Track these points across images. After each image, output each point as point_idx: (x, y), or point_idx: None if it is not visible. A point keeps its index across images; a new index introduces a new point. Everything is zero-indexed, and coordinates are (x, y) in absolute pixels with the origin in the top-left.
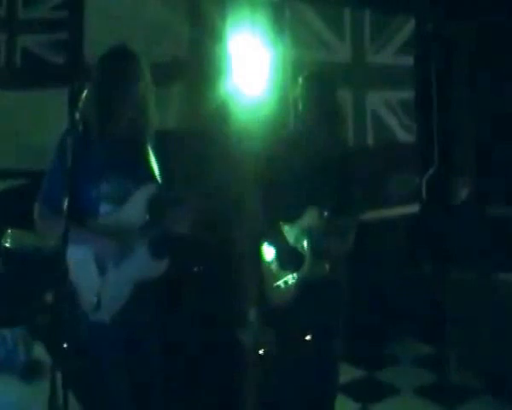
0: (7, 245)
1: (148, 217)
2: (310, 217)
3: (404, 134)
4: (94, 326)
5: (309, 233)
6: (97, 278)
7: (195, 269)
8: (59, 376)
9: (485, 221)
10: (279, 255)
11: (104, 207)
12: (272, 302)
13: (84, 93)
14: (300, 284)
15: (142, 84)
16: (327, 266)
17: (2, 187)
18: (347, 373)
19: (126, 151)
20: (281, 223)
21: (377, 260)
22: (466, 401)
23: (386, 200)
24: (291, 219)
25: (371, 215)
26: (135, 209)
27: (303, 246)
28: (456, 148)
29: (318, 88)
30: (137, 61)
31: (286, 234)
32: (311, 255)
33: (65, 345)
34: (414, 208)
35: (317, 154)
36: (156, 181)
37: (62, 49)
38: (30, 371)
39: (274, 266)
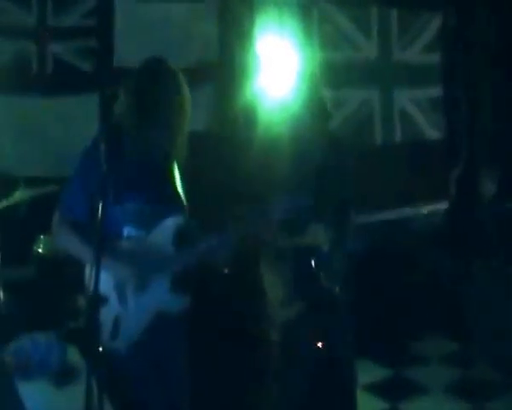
0: (40, 251)
1: (173, 248)
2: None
3: (432, 131)
4: (109, 355)
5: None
6: (116, 305)
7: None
8: (94, 381)
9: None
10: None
11: (128, 230)
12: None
13: (118, 101)
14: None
15: (180, 98)
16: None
17: (34, 194)
18: (375, 373)
19: (156, 171)
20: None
21: (404, 258)
22: (495, 398)
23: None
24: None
25: (399, 213)
26: (161, 238)
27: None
28: (483, 144)
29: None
30: (175, 74)
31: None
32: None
33: (100, 349)
34: (442, 205)
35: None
36: (183, 205)
37: (92, 56)
38: (64, 376)
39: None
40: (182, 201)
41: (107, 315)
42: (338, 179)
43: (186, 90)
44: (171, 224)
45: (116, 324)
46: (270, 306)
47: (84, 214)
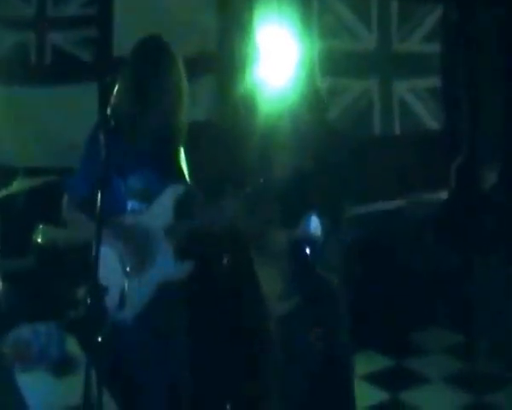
0: (39, 241)
1: (174, 218)
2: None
3: (431, 121)
4: (116, 325)
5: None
6: (121, 277)
7: (224, 261)
8: (93, 371)
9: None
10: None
11: (131, 204)
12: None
13: (116, 87)
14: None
15: (175, 74)
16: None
17: (33, 184)
18: (376, 362)
19: (157, 147)
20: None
21: (405, 248)
22: (495, 390)
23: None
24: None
25: (398, 203)
26: (162, 209)
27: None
28: (483, 134)
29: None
30: (170, 51)
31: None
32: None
33: (99, 339)
34: (442, 195)
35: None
36: (185, 180)
37: (91, 46)
38: (63, 366)
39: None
40: (184, 176)
41: (113, 287)
42: (335, 170)
43: (180, 66)
44: (170, 193)
45: (122, 295)
46: (266, 299)
47: (88, 192)
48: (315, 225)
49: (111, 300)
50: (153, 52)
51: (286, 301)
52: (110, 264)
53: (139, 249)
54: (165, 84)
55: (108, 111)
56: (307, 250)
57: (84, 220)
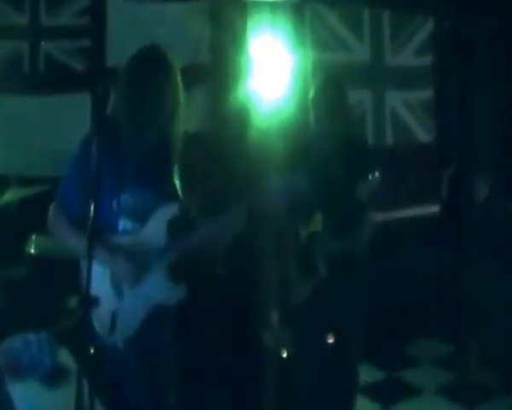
0: (31, 251)
1: (167, 238)
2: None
3: (423, 133)
4: (107, 348)
5: (322, 239)
6: (112, 299)
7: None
8: (85, 381)
9: (505, 218)
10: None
11: (123, 223)
12: (292, 304)
13: (112, 98)
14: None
15: (173, 86)
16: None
17: (25, 193)
18: (368, 374)
19: (151, 164)
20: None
21: (397, 260)
22: (487, 401)
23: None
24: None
25: (391, 215)
26: (155, 229)
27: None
28: (475, 146)
29: (328, 90)
30: (168, 61)
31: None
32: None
33: (91, 350)
34: (434, 208)
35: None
36: (178, 199)
37: (85, 56)
38: (55, 377)
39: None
40: (178, 194)
41: (104, 309)
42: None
43: (178, 77)
44: (164, 213)
45: (113, 318)
46: (273, 303)
47: (79, 211)
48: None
49: (101, 323)
50: (150, 63)
51: (296, 299)
52: (100, 286)
53: (131, 271)
54: (161, 96)
55: (102, 122)
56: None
57: (75, 237)
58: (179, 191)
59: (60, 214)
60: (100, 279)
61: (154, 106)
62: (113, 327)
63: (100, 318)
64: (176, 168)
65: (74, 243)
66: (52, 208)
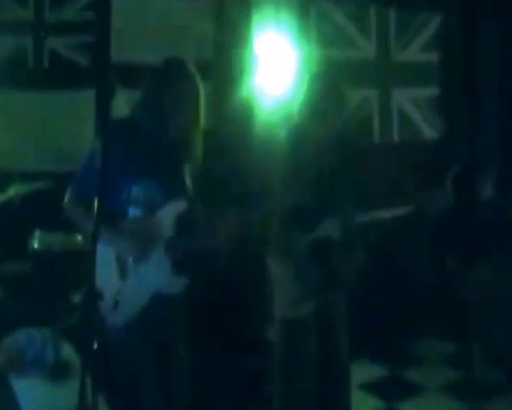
0: (35, 246)
1: (174, 232)
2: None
3: (430, 130)
4: (108, 329)
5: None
6: (117, 280)
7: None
8: (88, 377)
9: (510, 218)
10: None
11: (133, 211)
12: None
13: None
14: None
15: (200, 94)
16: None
17: (29, 189)
18: (372, 372)
19: (166, 162)
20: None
21: (401, 258)
22: (491, 398)
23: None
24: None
25: (394, 213)
26: (163, 222)
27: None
28: (480, 144)
29: (322, 85)
30: (196, 73)
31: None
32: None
33: (95, 345)
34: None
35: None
36: (189, 196)
37: (89, 51)
38: (58, 372)
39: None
40: (187, 193)
41: (107, 289)
42: (345, 171)
43: (202, 89)
44: (173, 208)
45: (116, 297)
46: (273, 305)
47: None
48: (332, 229)
49: (105, 302)
50: (182, 71)
51: (298, 307)
52: (106, 266)
53: (137, 253)
54: (190, 104)
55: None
56: (324, 254)
57: (87, 218)
58: (190, 189)
59: (77, 199)
60: (106, 259)
61: (181, 111)
62: (116, 307)
63: (104, 297)
64: (188, 168)
65: (90, 225)
66: (69, 193)
